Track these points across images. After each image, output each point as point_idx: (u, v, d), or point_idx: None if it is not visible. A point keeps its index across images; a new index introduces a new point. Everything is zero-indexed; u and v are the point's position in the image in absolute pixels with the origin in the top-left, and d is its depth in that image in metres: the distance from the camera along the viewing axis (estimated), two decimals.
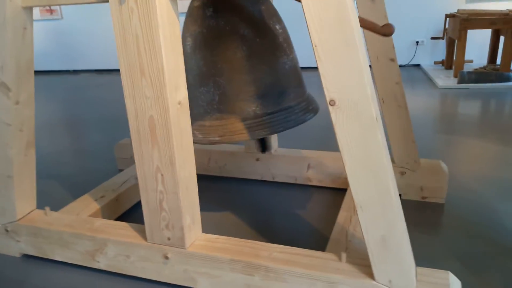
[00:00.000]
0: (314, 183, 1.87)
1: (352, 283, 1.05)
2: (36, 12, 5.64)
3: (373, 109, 0.90)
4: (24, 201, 1.44)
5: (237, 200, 1.81)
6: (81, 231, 1.34)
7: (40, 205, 1.63)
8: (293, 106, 1.41)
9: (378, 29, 1.05)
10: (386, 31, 1.04)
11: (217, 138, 1.35)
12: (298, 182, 1.89)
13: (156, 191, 1.17)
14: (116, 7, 1.03)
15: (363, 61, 0.89)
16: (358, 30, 0.89)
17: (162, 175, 1.14)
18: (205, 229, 1.57)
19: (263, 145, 1.66)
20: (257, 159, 1.92)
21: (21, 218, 1.44)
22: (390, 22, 1.49)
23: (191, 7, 1.41)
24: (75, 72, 5.82)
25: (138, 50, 1.04)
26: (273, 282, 1.13)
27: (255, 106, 1.36)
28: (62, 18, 5.68)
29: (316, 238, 1.50)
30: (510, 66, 3.79)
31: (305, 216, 1.65)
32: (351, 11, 0.87)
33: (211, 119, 1.38)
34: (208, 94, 1.37)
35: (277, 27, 1.40)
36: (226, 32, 1.34)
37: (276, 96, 1.38)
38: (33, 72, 1.32)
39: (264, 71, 1.36)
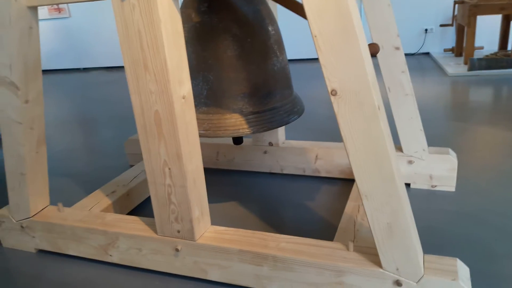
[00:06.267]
0: (323, 174, 1.87)
1: (360, 272, 1.06)
2: (45, 11, 5.69)
3: (375, 97, 0.91)
4: (37, 197, 1.47)
5: (246, 193, 1.83)
6: (93, 225, 1.36)
7: (53, 202, 1.67)
8: (278, 107, 1.44)
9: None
10: (371, 51, 1.05)
11: (202, 131, 1.39)
12: (307, 173, 1.90)
13: (164, 185, 1.19)
14: (117, 3, 1.04)
15: (364, 50, 0.90)
16: (358, 19, 0.89)
17: (169, 169, 1.16)
18: (215, 222, 1.59)
19: (236, 138, 1.65)
20: (265, 152, 1.93)
21: (35, 215, 1.47)
22: (398, 10, 1.49)
23: (186, 0, 1.43)
24: (85, 69, 5.88)
25: (141, 45, 1.06)
26: (282, 271, 1.14)
27: (242, 104, 1.40)
28: (70, 16, 5.73)
29: (324, 229, 1.51)
30: None
31: (313, 207, 1.66)
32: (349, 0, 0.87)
33: (198, 112, 1.41)
34: (196, 88, 1.40)
35: (270, 28, 1.42)
36: (218, 29, 1.36)
37: (263, 96, 1.41)
38: (40, 71, 1.34)
39: (253, 71, 1.39)
